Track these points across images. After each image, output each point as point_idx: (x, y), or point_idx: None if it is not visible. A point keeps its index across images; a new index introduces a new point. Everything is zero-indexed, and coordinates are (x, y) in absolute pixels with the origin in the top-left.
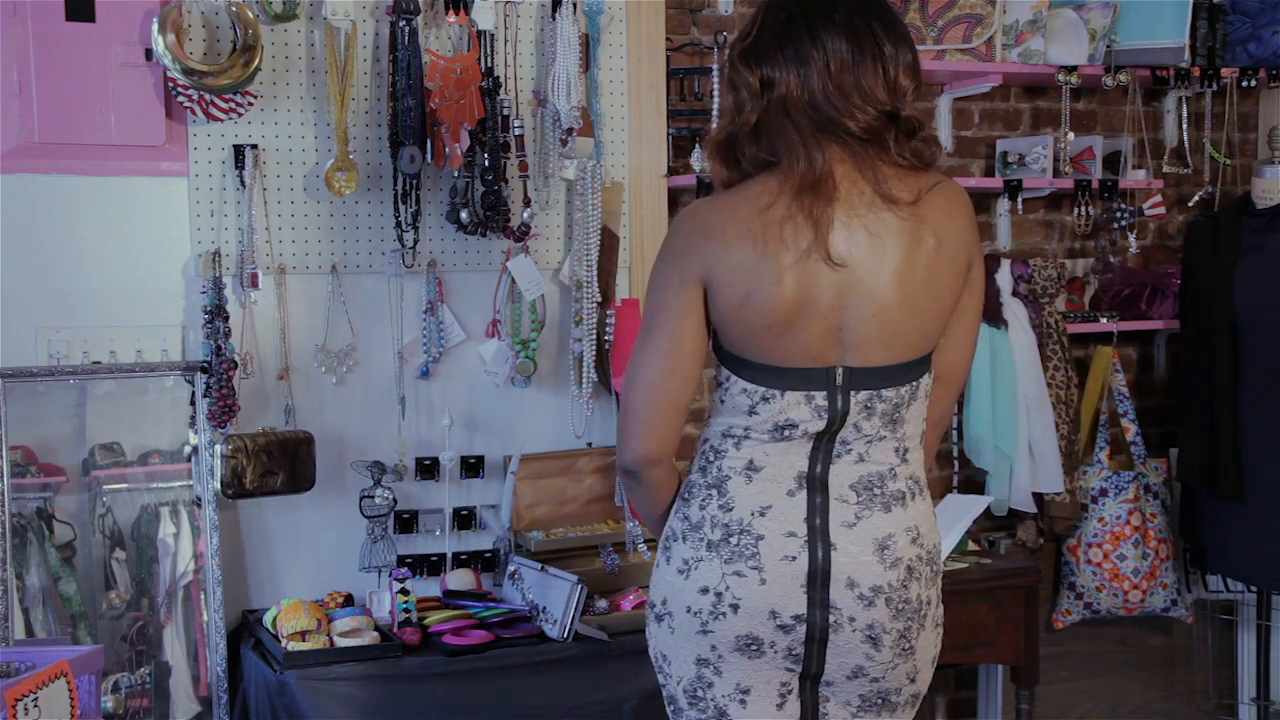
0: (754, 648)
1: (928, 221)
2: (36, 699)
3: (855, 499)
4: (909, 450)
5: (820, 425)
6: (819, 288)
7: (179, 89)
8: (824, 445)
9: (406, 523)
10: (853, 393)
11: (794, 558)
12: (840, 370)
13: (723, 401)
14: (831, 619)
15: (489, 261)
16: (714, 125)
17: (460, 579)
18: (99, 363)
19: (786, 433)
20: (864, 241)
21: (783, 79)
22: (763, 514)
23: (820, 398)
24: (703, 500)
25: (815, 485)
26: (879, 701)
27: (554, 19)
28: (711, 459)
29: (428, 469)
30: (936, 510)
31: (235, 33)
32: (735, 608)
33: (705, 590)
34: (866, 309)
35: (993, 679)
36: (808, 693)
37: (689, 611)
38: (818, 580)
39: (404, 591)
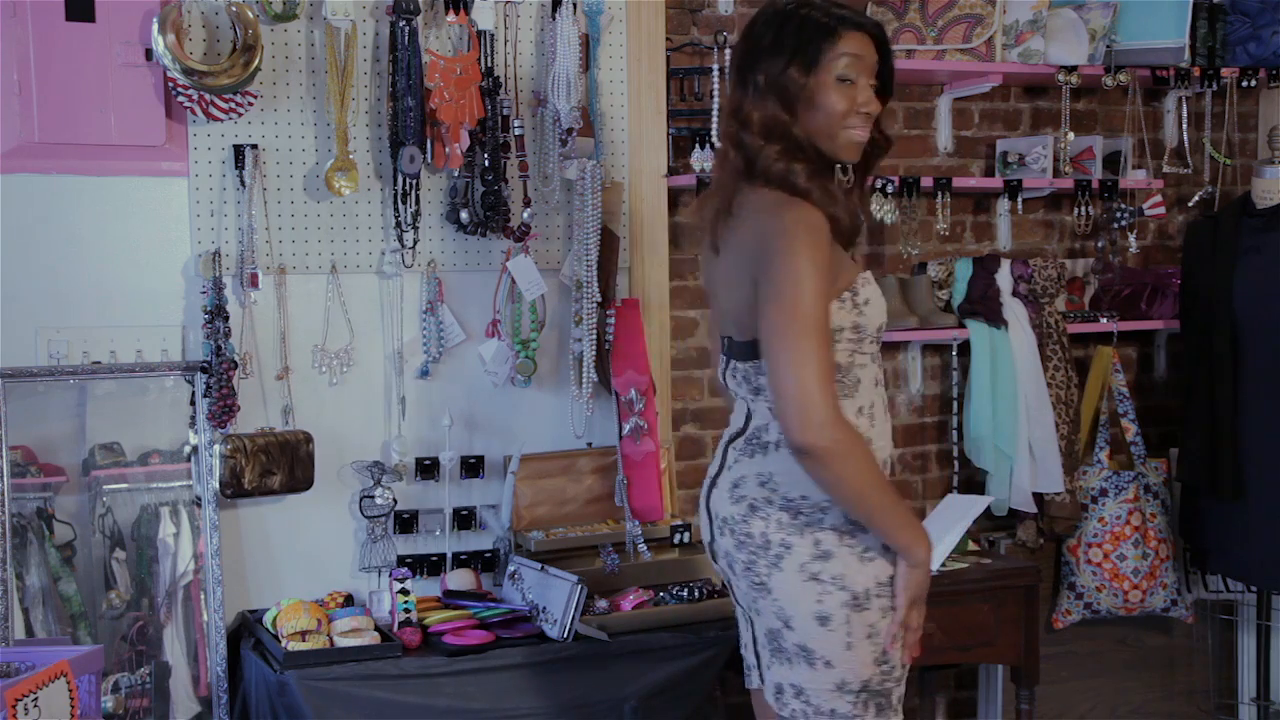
0: (717, 567)
1: (735, 232)
2: (36, 699)
3: (741, 449)
4: None
5: (734, 387)
6: (711, 272)
7: (179, 89)
8: (738, 405)
9: (406, 523)
10: (724, 358)
11: (704, 483)
12: (725, 339)
13: None
14: (711, 548)
15: (489, 261)
16: (714, 124)
17: (460, 579)
18: (99, 363)
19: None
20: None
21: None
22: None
23: (722, 361)
24: None
25: (729, 440)
26: (773, 646)
27: (554, 19)
28: None
29: (428, 469)
30: (936, 510)
31: (235, 33)
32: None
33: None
34: (717, 289)
35: (993, 679)
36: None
37: None
38: (706, 516)
39: (404, 591)
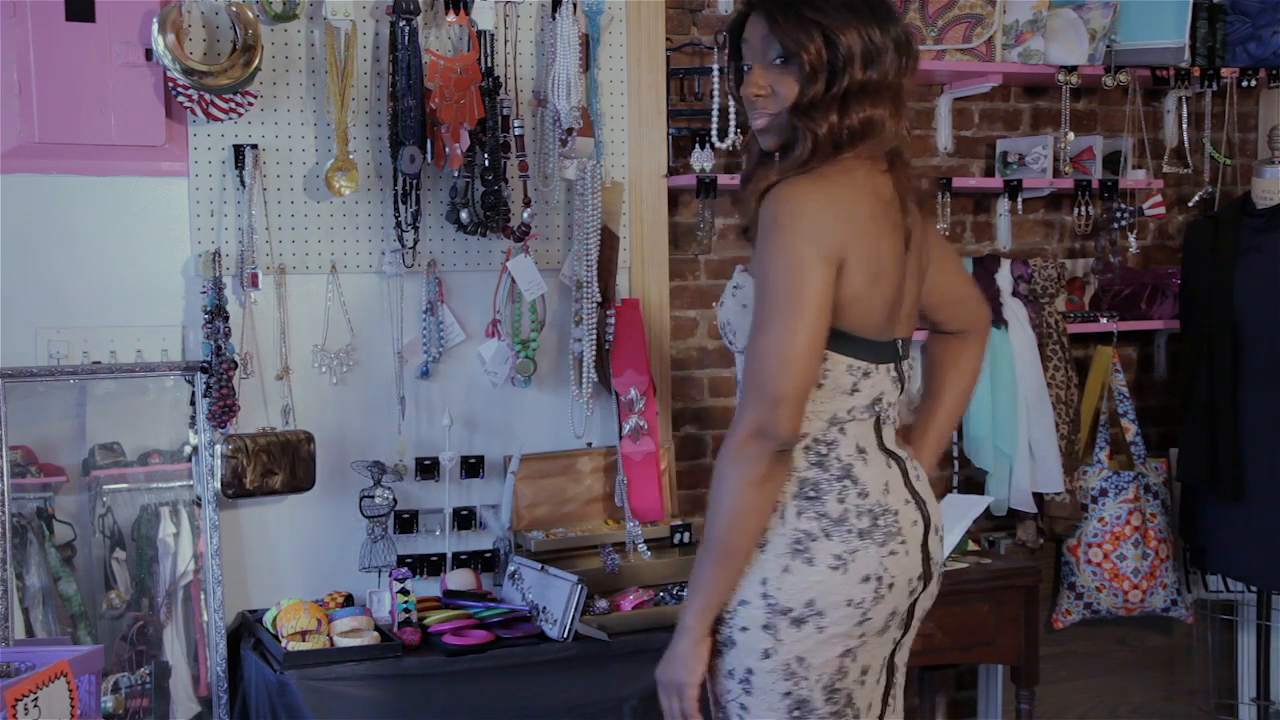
0: (890, 624)
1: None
2: (36, 699)
3: (906, 455)
4: None
5: (895, 396)
6: (897, 263)
7: (179, 89)
8: (877, 412)
9: (406, 523)
10: (904, 362)
11: (916, 522)
12: (899, 341)
13: (820, 386)
14: (932, 570)
15: (489, 261)
16: (714, 124)
17: (460, 579)
18: (99, 363)
19: (876, 407)
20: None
21: None
22: (887, 490)
23: (894, 369)
24: (839, 494)
25: (889, 452)
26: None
27: (554, 19)
28: (825, 451)
29: (428, 469)
30: None
31: (235, 33)
32: (891, 586)
33: (867, 579)
34: (907, 283)
35: (993, 679)
36: (891, 657)
37: (850, 604)
38: (928, 537)
39: (404, 591)
